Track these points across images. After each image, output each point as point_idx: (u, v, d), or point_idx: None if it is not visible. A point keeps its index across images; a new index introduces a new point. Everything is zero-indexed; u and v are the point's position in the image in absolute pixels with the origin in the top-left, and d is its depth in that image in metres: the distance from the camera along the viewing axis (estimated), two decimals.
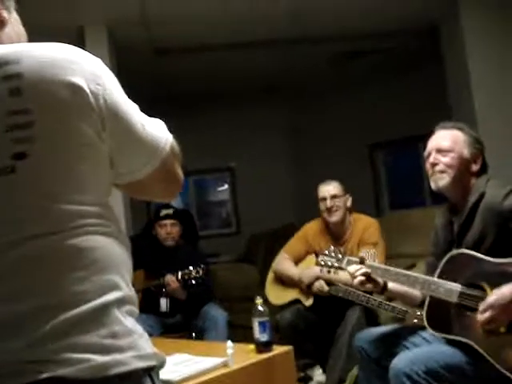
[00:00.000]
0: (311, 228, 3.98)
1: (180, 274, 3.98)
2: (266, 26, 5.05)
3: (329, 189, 3.82)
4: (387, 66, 6.46)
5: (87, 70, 1.03)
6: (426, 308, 2.31)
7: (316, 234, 3.92)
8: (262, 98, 7.51)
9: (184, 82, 6.47)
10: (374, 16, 4.98)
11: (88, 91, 1.01)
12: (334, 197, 3.79)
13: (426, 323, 2.28)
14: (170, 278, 3.99)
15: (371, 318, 3.57)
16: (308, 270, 3.75)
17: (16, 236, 0.94)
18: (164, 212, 4.24)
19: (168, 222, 4.21)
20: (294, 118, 8.04)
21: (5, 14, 1.16)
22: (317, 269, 3.46)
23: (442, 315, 2.25)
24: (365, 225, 3.82)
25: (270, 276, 4.08)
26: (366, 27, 5.24)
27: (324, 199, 3.82)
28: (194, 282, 3.98)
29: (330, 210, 3.78)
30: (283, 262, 3.95)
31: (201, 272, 3.96)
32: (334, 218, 3.78)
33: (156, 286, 4.04)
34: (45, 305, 0.93)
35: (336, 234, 3.85)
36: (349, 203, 3.86)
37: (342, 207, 3.80)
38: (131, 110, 1.10)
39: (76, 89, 1.00)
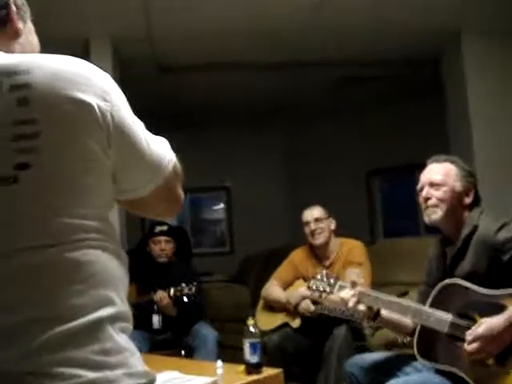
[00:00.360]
0: (298, 254, 4.05)
1: (172, 290, 3.98)
2: (270, 48, 5.10)
3: (312, 213, 3.91)
4: (387, 93, 6.51)
5: (96, 85, 1.03)
6: (416, 336, 2.31)
7: (303, 260, 3.99)
8: (261, 119, 7.54)
9: (185, 99, 6.51)
10: (376, 44, 5.04)
11: (96, 108, 1.01)
12: (317, 220, 3.87)
13: (415, 352, 2.28)
14: (161, 294, 3.98)
15: (358, 334, 3.61)
16: (295, 291, 3.82)
17: (15, 246, 0.94)
18: (158, 229, 4.25)
19: (162, 238, 4.22)
20: (291, 140, 8.07)
21: (20, 24, 1.17)
22: (302, 289, 3.59)
23: (432, 344, 2.25)
24: (350, 246, 3.88)
25: (260, 303, 4.12)
26: (367, 54, 5.30)
27: (308, 223, 3.90)
28: (185, 299, 3.97)
29: (313, 233, 3.86)
30: (272, 288, 4.01)
31: (193, 289, 3.95)
32: (319, 240, 3.85)
33: (148, 301, 4.03)
34: (41, 316, 0.92)
35: (321, 257, 3.91)
36: (332, 226, 3.92)
37: (325, 229, 3.87)
38: (137, 127, 1.10)
39: (84, 104, 1.00)
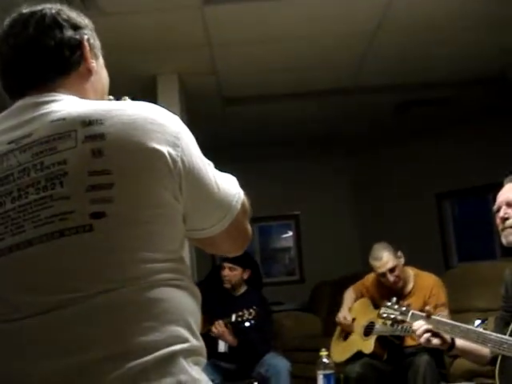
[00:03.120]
0: (371, 279, 4.00)
1: (234, 316, 3.99)
2: (333, 76, 5.10)
3: (383, 263, 3.70)
4: (454, 114, 6.37)
5: (168, 132, 1.05)
6: (498, 368, 2.21)
7: (375, 286, 3.93)
8: (327, 146, 7.52)
9: (250, 129, 6.56)
10: (439, 66, 4.96)
11: (168, 156, 1.02)
12: (392, 270, 3.69)
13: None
14: (216, 324, 4.01)
15: (438, 361, 3.50)
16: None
17: (89, 291, 0.95)
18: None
19: (227, 265, 4.27)
20: (359, 167, 7.99)
21: (93, 62, 1.19)
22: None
23: None
24: (429, 284, 3.72)
25: (335, 334, 4.14)
26: (432, 77, 5.22)
27: (384, 275, 3.72)
28: (247, 324, 3.95)
29: (394, 283, 3.72)
30: (348, 293, 4.15)
31: (253, 313, 3.93)
32: (399, 285, 3.72)
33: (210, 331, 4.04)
34: (114, 353, 0.94)
35: (396, 290, 3.74)
36: (402, 261, 3.77)
37: (401, 272, 3.72)
38: (206, 168, 1.11)
39: (157, 154, 1.01)
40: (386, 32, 4.23)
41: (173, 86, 4.71)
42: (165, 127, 1.05)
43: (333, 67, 4.90)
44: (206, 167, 1.11)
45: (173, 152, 1.03)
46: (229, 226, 1.15)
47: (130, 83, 3.80)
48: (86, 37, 1.18)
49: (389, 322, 2.80)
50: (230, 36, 4.17)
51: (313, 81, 5.18)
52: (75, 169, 0.99)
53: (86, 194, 0.98)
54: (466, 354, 2.47)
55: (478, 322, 2.38)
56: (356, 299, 4.08)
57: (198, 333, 1.06)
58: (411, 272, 3.81)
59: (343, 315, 3.97)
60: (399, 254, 3.76)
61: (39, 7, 1.16)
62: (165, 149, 1.02)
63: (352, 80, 5.22)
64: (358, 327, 3.90)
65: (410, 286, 3.76)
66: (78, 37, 1.16)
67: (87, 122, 1.01)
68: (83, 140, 1.00)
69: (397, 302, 2.78)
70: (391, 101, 5.85)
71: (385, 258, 3.69)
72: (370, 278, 4.03)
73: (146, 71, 4.65)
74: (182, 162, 1.05)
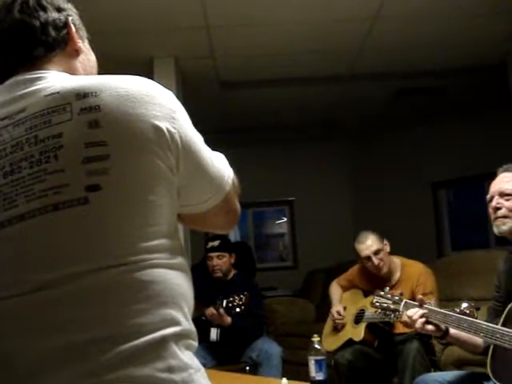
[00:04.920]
0: (358, 271, 4.01)
1: (224, 302, 3.99)
2: (331, 62, 5.08)
3: (369, 247, 3.72)
4: (451, 102, 6.36)
5: (164, 106, 1.04)
6: (489, 357, 2.22)
7: (363, 277, 3.94)
8: (323, 132, 7.51)
9: (246, 114, 6.54)
10: (438, 53, 4.94)
11: (165, 130, 1.02)
12: (376, 253, 3.70)
13: (489, 373, 2.19)
14: (209, 311, 4.02)
15: (428, 349, 3.51)
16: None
17: (79, 268, 0.94)
18: (210, 244, 4.27)
19: (214, 254, 4.24)
20: (355, 154, 8.00)
21: (80, 43, 1.20)
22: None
23: (507, 365, 2.15)
24: (416, 271, 3.72)
25: (326, 327, 4.14)
26: (428, 64, 5.20)
27: (368, 258, 3.72)
28: (237, 310, 3.96)
29: (378, 267, 3.72)
30: (333, 287, 4.19)
31: (243, 299, 3.94)
32: (383, 271, 3.73)
33: (203, 316, 4.05)
34: (104, 335, 0.93)
35: (384, 278, 3.76)
36: (388, 248, 3.78)
37: (385, 258, 3.73)
38: (201, 144, 1.11)
39: (153, 127, 1.01)
40: (385, 19, 4.20)
41: (169, 69, 4.68)
42: (161, 101, 1.05)
43: (333, 52, 4.87)
44: (200, 143, 1.11)
45: (169, 126, 1.03)
46: (221, 201, 1.15)
47: (126, 66, 3.76)
48: (70, 18, 1.19)
49: (381, 311, 2.80)
50: (228, 19, 4.14)
51: (311, 66, 5.15)
52: (71, 141, 0.98)
53: (81, 166, 0.97)
54: (459, 342, 2.48)
55: (464, 304, 2.38)
56: (343, 291, 4.11)
57: (189, 316, 1.05)
58: (398, 261, 3.81)
59: (336, 311, 3.96)
60: (385, 241, 3.79)
61: None
62: (162, 123, 1.02)
63: (350, 66, 5.20)
64: (349, 315, 3.91)
65: (397, 276, 3.76)
66: (62, 17, 1.17)
67: (82, 94, 1.01)
68: (78, 112, 0.99)
69: (390, 292, 2.78)
70: (389, 88, 5.84)
71: (369, 241, 3.73)
72: (353, 270, 4.05)
73: (142, 54, 4.61)
74: (179, 135, 1.04)
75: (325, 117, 6.85)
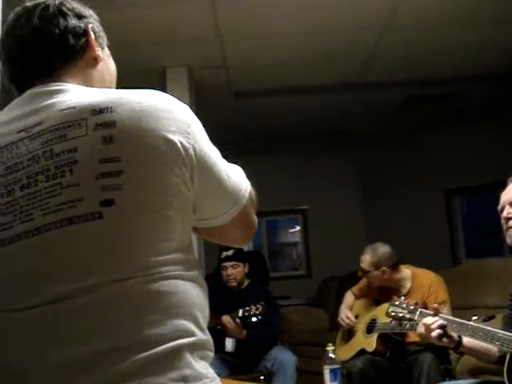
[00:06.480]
0: (363, 283, 4.02)
1: (241, 311, 3.97)
2: (341, 70, 5.09)
3: (362, 261, 3.79)
4: (463, 110, 6.33)
5: (179, 120, 1.05)
6: (506, 365, 2.19)
7: (369, 289, 3.94)
8: (335, 141, 7.51)
9: (259, 123, 6.55)
10: (449, 62, 4.93)
11: (179, 145, 1.02)
12: (368, 271, 3.77)
13: (506, 382, 2.16)
14: (225, 319, 3.99)
15: (443, 358, 3.46)
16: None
17: (96, 281, 0.95)
18: (224, 254, 4.25)
19: (228, 264, 4.22)
20: (367, 162, 7.97)
21: (98, 51, 1.20)
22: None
23: None
24: (428, 281, 3.67)
25: (339, 336, 4.12)
26: (442, 72, 5.19)
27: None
28: (254, 319, 3.94)
29: (371, 283, 3.84)
30: (347, 296, 4.15)
31: (260, 309, 3.92)
32: (375, 285, 3.81)
33: (220, 325, 4.04)
34: (118, 346, 0.93)
35: (394, 289, 3.74)
36: (395, 259, 3.76)
37: (380, 277, 3.73)
38: (217, 158, 1.11)
39: (168, 142, 1.01)
40: (395, 28, 4.21)
41: (182, 78, 4.71)
42: (175, 115, 1.05)
43: (344, 61, 4.87)
44: (216, 157, 1.11)
45: (184, 140, 1.03)
46: (238, 214, 1.15)
47: (139, 76, 3.81)
48: (90, 25, 1.19)
49: (396, 321, 2.78)
50: (241, 29, 4.16)
51: (323, 75, 5.16)
52: (86, 156, 0.99)
53: (96, 182, 0.97)
54: (473, 352, 2.44)
55: (474, 317, 2.36)
56: (356, 300, 4.10)
57: (205, 326, 1.05)
58: (408, 271, 3.77)
59: (344, 314, 3.96)
60: (388, 255, 3.74)
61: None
62: (176, 137, 1.02)
63: (360, 75, 5.20)
64: (361, 325, 3.89)
65: (408, 285, 3.72)
66: (82, 25, 1.17)
67: (97, 110, 1.01)
68: (94, 128, 1.00)
69: (404, 301, 2.75)
70: (400, 96, 5.83)
71: (364, 259, 3.79)
72: (364, 281, 4.03)
73: (155, 64, 4.64)
74: (194, 149, 1.04)
75: (337, 125, 6.85)
